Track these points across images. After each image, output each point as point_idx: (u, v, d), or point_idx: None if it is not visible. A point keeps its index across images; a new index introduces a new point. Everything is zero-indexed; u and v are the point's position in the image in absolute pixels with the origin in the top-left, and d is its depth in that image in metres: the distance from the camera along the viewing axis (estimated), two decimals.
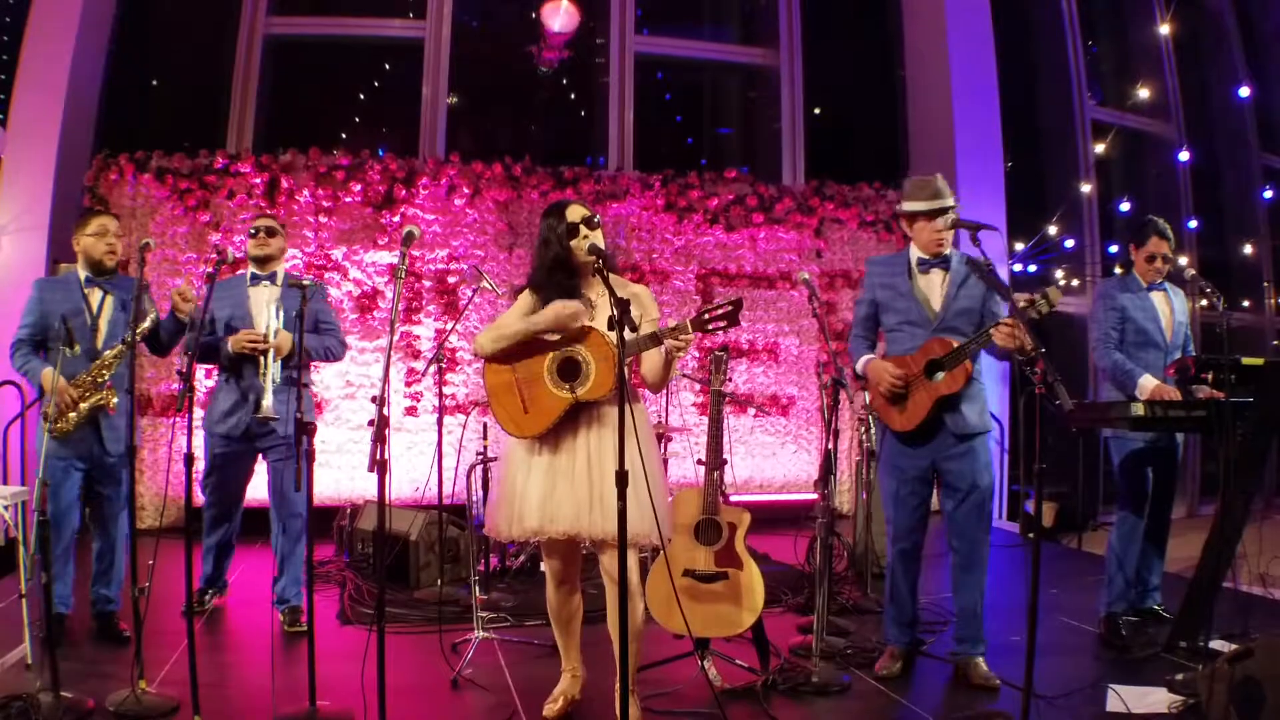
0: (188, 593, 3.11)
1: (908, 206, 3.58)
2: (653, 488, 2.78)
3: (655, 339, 2.87)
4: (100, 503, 3.85)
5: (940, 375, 3.47)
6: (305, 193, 6.54)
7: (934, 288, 3.58)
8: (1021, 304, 3.09)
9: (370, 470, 2.67)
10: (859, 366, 3.70)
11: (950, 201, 3.54)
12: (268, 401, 3.94)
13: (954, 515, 3.57)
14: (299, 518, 4.14)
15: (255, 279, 4.20)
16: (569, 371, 2.95)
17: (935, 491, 3.76)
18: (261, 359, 4.01)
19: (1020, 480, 7.28)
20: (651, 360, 3.03)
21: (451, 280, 6.77)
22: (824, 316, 4.09)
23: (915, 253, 3.63)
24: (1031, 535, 4.14)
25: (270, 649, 3.65)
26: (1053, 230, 7.89)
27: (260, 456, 4.24)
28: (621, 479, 2.50)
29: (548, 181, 6.95)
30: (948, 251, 3.58)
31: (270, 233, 4.23)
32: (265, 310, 4.10)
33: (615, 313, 2.55)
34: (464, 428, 6.51)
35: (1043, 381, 2.76)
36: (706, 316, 2.78)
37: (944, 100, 7.81)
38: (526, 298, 3.08)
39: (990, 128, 7.75)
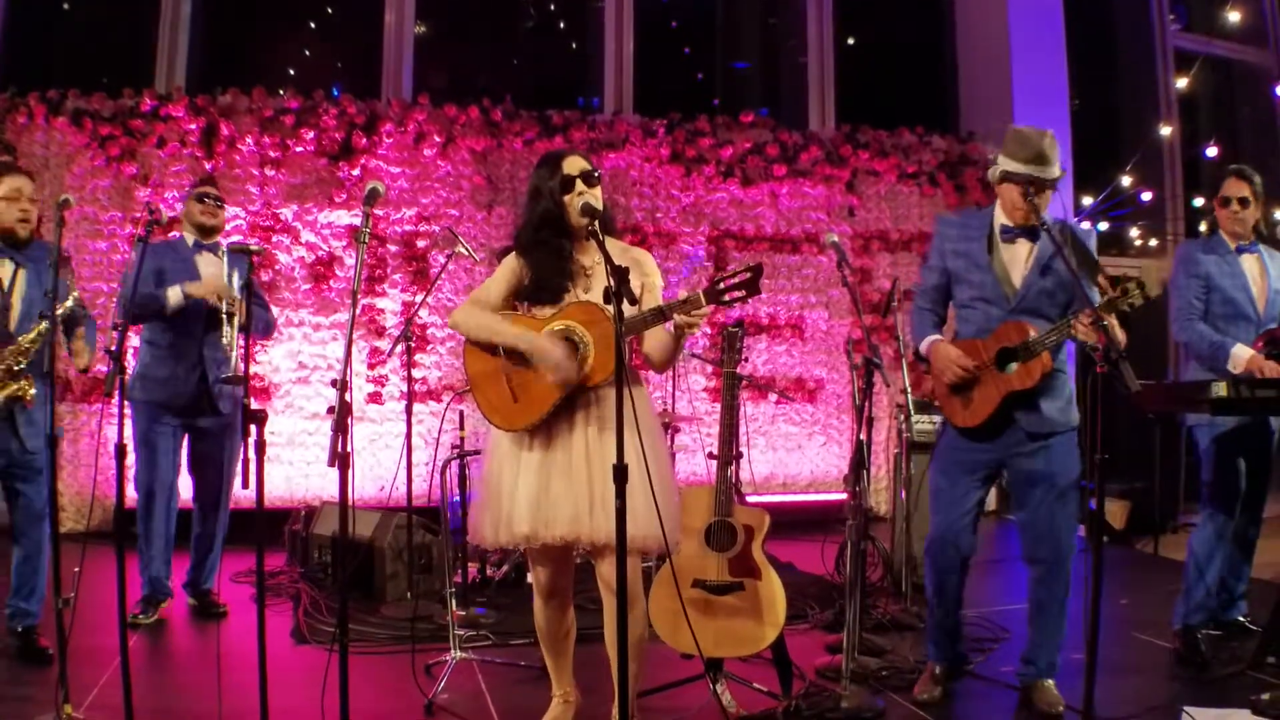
0: (120, 604, 3.15)
1: (1003, 163, 3.54)
2: (657, 485, 2.81)
3: (661, 314, 2.89)
4: (19, 505, 3.88)
5: (1013, 367, 3.48)
6: (248, 141, 6.56)
7: (1017, 261, 3.55)
8: (1109, 296, 3.08)
9: (330, 465, 2.70)
10: (922, 347, 3.71)
11: (1055, 172, 3.48)
12: (234, 361, 4.11)
13: (1031, 522, 3.56)
14: (219, 512, 4.41)
15: (198, 247, 4.32)
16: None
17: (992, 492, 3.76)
18: (224, 320, 4.15)
19: (1085, 475, 7.33)
20: (656, 338, 3.06)
21: (421, 244, 6.81)
22: (856, 286, 4.11)
23: (1000, 216, 3.61)
24: (1103, 537, 4.18)
25: (216, 671, 3.71)
26: (1127, 181, 7.90)
27: (185, 437, 4.46)
28: (620, 474, 2.53)
29: (533, 128, 6.96)
30: (1037, 222, 3.51)
31: (220, 203, 4.48)
32: (220, 275, 4.30)
33: (612, 283, 2.57)
34: (440, 417, 6.57)
35: (1105, 359, 2.79)
36: (721, 286, 2.80)
37: (999, 28, 7.80)
38: (511, 263, 3.12)
39: (1054, 59, 7.75)
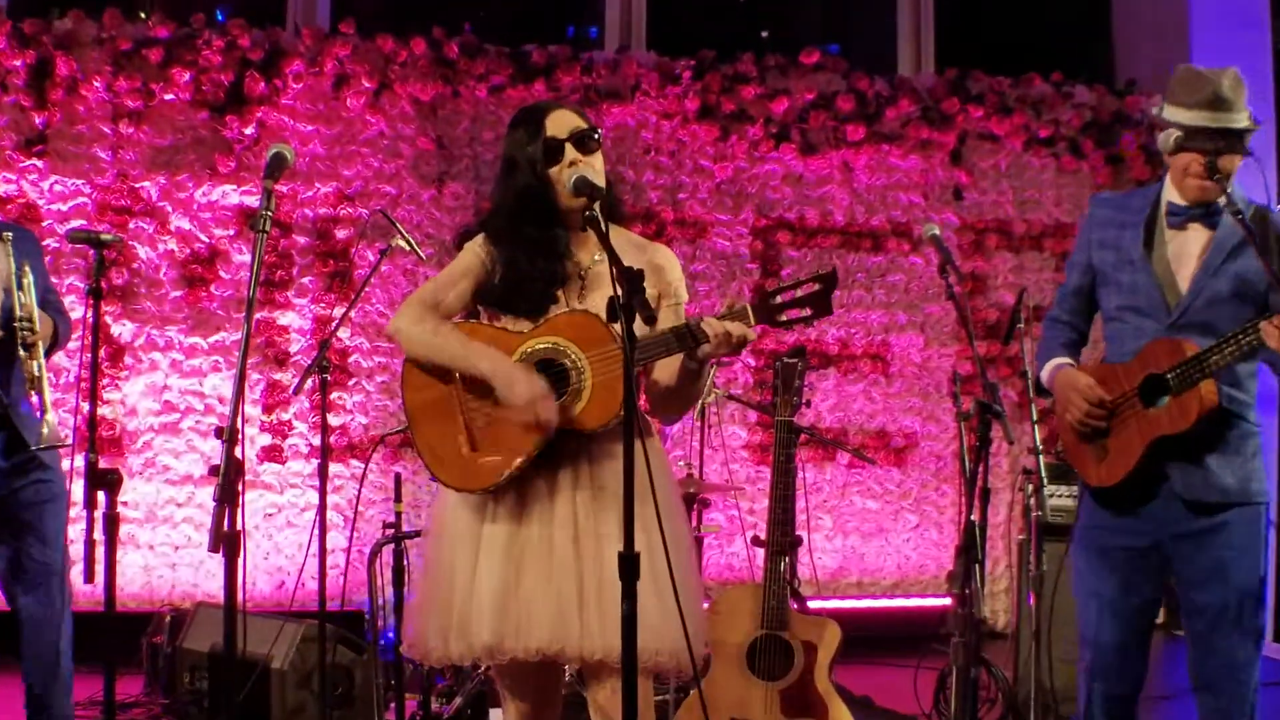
0: None
1: (1167, 113, 3.56)
2: (678, 581, 2.81)
3: (688, 336, 2.90)
4: None
5: (1164, 401, 3.49)
6: (96, 85, 6.60)
7: (1185, 256, 3.59)
8: None
9: (213, 551, 2.71)
10: (1044, 374, 3.75)
11: (1241, 120, 3.49)
12: (52, 418, 4.02)
13: (1197, 638, 3.56)
14: (58, 633, 4.20)
15: None
16: (548, 380, 3.00)
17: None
18: (22, 353, 4.08)
19: None
20: (669, 369, 3.09)
21: (342, 235, 6.84)
22: (965, 299, 4.14)
23: (1169, 192, 3.65)
24: None
25: None
26: None
27: None
28: (629, 565, 2.52)
29: (504, 69, 7.00)
30: (1221, 200, 3.52)
31: None
32: (8, 281, 4.15)
33: (619, 290, 2.58)
34: (364, 482, 6.53)
35: None
36: (779, 300, 2.82)
37: None
38: (476, 251, 3.15)
39: None
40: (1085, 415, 3.57)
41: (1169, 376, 3.46)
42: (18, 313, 4.07)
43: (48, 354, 4.27)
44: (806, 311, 2.83)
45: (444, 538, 3.11)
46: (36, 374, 4.07)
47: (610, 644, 2.81)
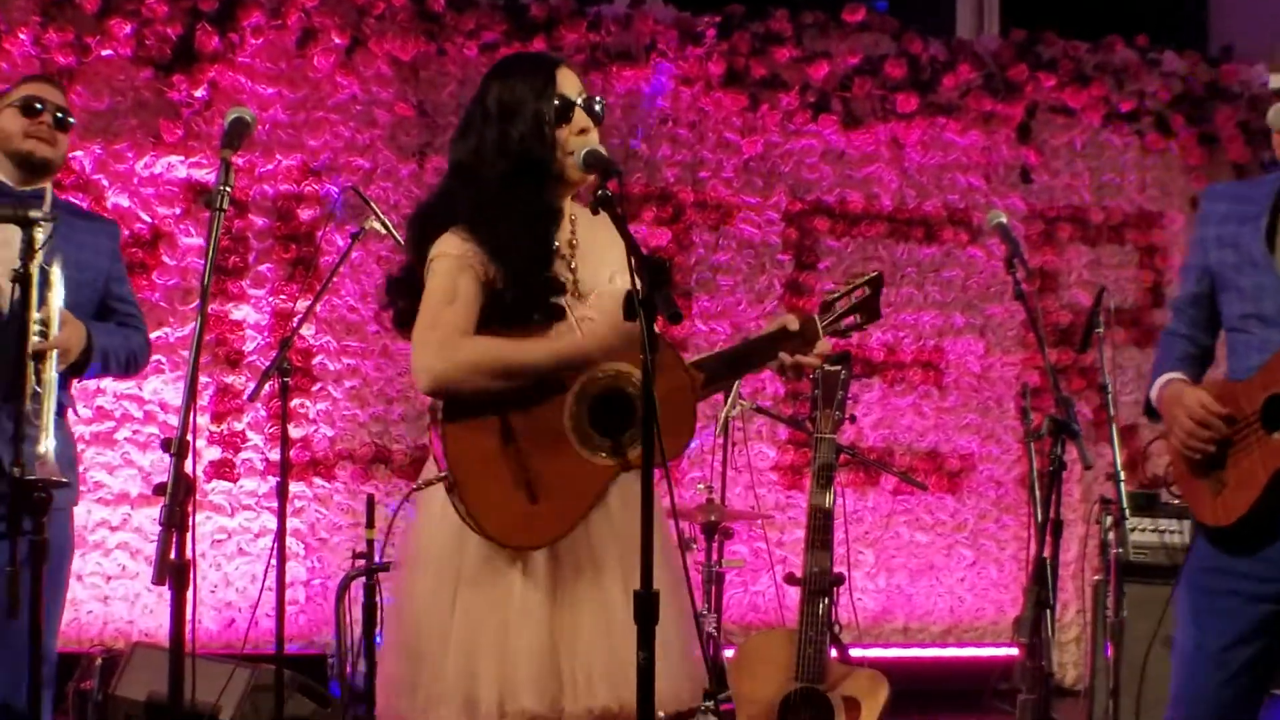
0: None
1: (1277, 82, 3.58)
2: (678, 616, 2.92)
3: (758, 353, 3.03)
4: None
5: None
6: (22, 36, 6.57)
7: None
8: None
9: (158, 583, 2.70)
10: (1152, 392, 3.76)
11: None
12: (46, 448, 3.94)
13: None
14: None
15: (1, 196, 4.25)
16: (612, 414, 3.03)
17: None
18: (31, 366, 4.01)
19: None
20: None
21: (306, 215, 6.84)
22: (1036, 298, 4.13)
23: None
24: None
25: None
26: None
27: None
28: (647, 606, 2.56)
29: (497, 24, 7.00)
30: None
31: (64, 119, 4.39)
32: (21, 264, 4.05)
33: (637, 285, 2.59)
34: (331, 504, 6.51)
35: None
36: (838, 308, 2.91)
37: None
38: (463, 251, 3.04)
39: None
40: (1189, 436, 3.56)
41: None
42: (34, 316, 3.99)
43: (106, 372, 4.38)
44: (857, 319, 2.91)
45: (441, 580, 3.07)
46: (45, 387, 4.00)
47: (663, 693, 2.80)
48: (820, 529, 3.60)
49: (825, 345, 2.91)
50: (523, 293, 3.03)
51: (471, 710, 2.97)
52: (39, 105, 4.32)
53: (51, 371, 4.00)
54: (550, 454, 3.00)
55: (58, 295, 4.08)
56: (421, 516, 3.19)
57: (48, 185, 4.39)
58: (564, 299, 3.08)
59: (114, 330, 4.39)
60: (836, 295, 2.90)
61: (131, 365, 4.48)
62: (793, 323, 2.96)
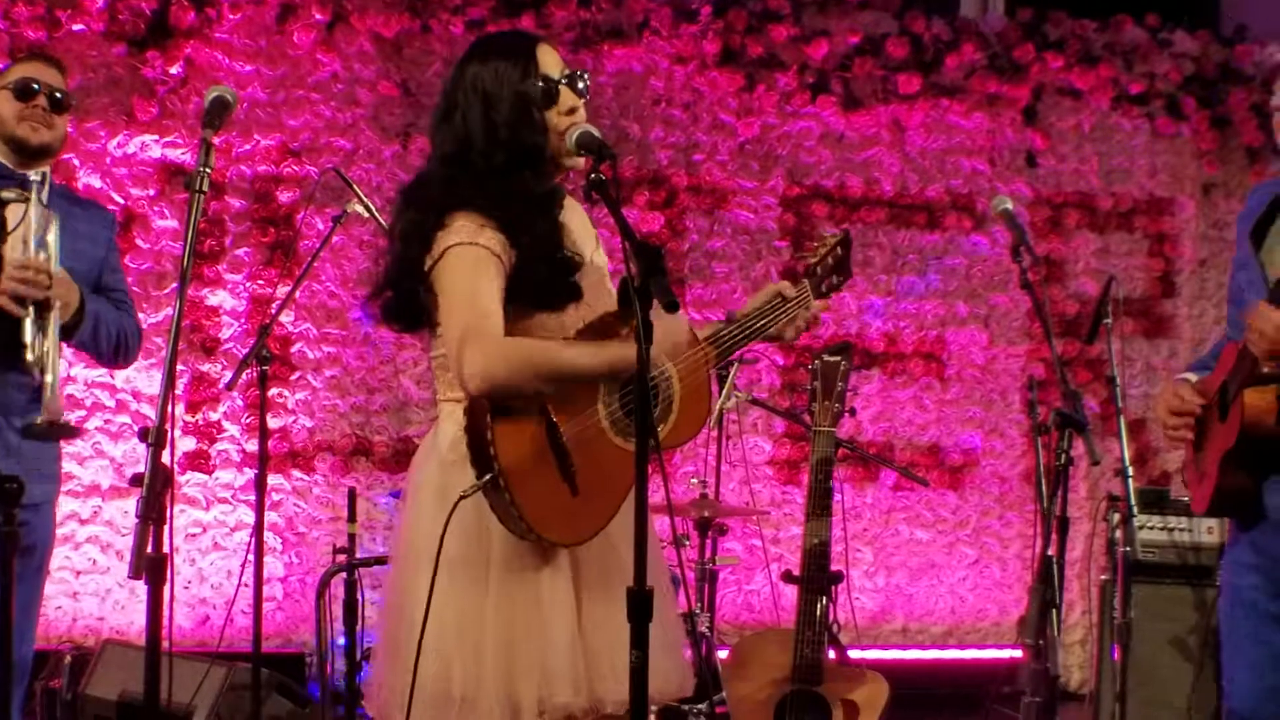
0: None
1: None
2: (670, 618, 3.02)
3: (765, 320, 3.07)
4: None
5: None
6: None
7: None
8: None
9: (134, 578, 2.70)
10: None
11: None
12: (50, 395, 4.01)
13: None
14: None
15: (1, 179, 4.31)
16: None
17: None
18: (28, 316, 4.05)
19: None
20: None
21: (285, 197, 6.81)
22: (1043, 287, 4.13)
23: None
24: None
25: None
26: None
27: None
28: (641, 603, 2.62)
29: (483, 0, 6.95)
30: None
31: (62, 101, 4.44)
32: (26, 234, 4.15)
33: (633, 271, 2.63)
34: (311, 497, 6.49)
35: None
36: (819, 270, 2.98)
37: None
38: (486, 237, 3.01)
39: None
40: (1164, 425, 3.75)
41: (1228, 379, 3.56)
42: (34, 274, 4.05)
43: (112, 359, 4.57)
44: (837, 279, 3.02)
45: (471, 581, 3.06)
46: (40, 350, 4.06)
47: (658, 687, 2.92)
48: (817, 525, 3.56)
49: (820, 305, 3.02)
50: (546, 274, 3.05)
51: (513, 711, 2.99)
52: (34, 87, 4.38)
53: (54, 325, 4.07)
54: (588, 446, 3.03)
55: (55, 259, 4.16)
56: (413, 516, 3.19)
57: (47, 168, 4.41)
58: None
59: (107, 303, 4.45)
60: (816, 259, 2.99)
61: (121, 346, 4.53)
62: (788, 290, 3.02)
